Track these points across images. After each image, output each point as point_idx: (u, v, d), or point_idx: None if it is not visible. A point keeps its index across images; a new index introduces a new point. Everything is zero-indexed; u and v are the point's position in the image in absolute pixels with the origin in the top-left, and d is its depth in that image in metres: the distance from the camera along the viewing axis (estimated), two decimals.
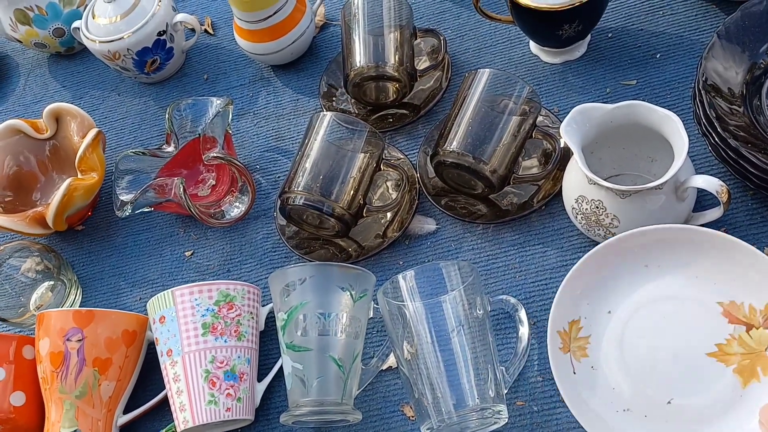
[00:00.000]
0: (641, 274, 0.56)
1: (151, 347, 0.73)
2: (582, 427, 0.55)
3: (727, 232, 0.65)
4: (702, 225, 0.64)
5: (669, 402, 0.52)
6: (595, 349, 0.55)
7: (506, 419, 0.60)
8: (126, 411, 0.71)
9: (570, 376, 0.55)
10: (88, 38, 0.90)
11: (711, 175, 0.67)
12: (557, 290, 0.59)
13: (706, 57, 0.65)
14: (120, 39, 0.88)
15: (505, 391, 0.62)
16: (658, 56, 0.76)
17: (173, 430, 0.67)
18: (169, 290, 0.66)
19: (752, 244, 0.63)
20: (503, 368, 0.63)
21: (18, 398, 0.70)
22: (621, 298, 0.56)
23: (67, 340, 0.68)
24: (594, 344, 0.55)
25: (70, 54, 1.04)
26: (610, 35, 0.80)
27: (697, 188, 0.61)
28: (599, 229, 0.63)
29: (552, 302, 0.63)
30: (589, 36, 0.79)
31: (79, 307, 0.81)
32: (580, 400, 0.54)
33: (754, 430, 0.48)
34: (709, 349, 0.52)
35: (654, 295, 0.55)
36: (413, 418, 0.65)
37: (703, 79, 0.64)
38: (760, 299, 0.52)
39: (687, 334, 0.53)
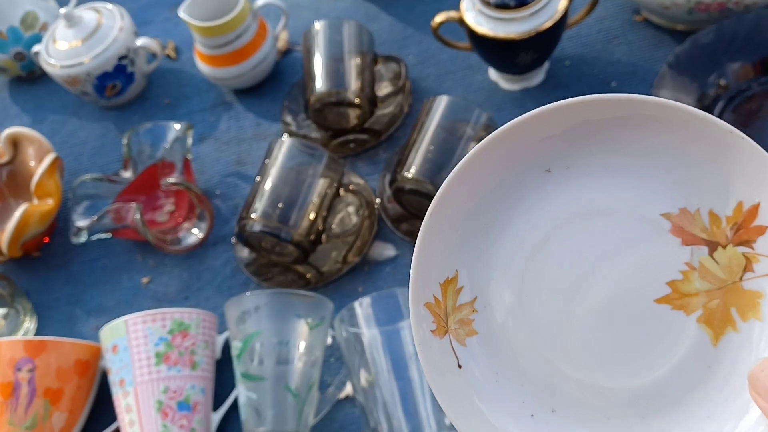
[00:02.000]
0: (544, 184, 0.35)
1: (105, 377, 0.72)
2: None
3: None
4: None
5: (606, 387, 0.33)
6: (485, 319, 0.34)
7: None
8: None
9: (454, 373, 0.33)
10: (48, 63, 0.89)
11: None
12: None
13: (656, 86, 0.66)
14: (80, 64, 0.87)
15: None
16: (613, 84, 0.78)
17: None
18: (122, 318, 0.65)
19: None
20: None
21: None
22: (518, 228, 0.35)
23: (18, 370, 0.66)
24: (483, 311, 0.34)
25: (31, 78, 1.03)
26: (567, 63, 0.81)
27: None
28: None
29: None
30: (548, 63, 0.80)
31: (34, 335, 0.79)
32: (475, 411, 0.33)
33: (740, 408, 0.30)
34: (658, 291, 0.33)
35: (568, 214, 0.34)
36: None
37: None
38: (725, 199, 0.31)
39: (622, 273, 0.33)
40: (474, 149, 0.35)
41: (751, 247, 0.31)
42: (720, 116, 0.66)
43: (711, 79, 0.66)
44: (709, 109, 0.66)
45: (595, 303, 0.34)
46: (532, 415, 0.33)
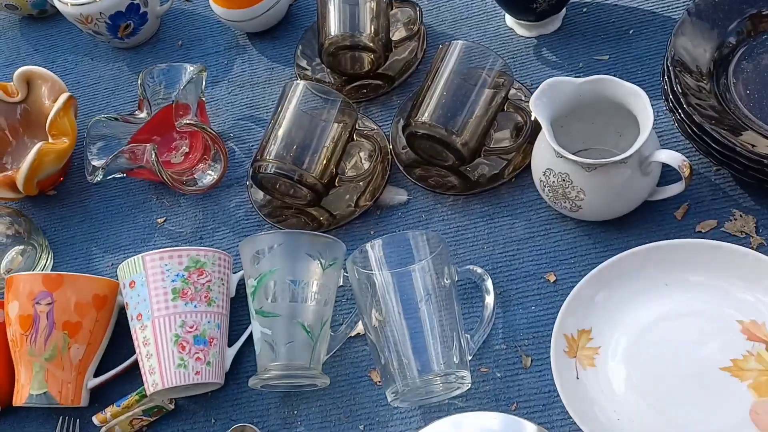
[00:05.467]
0: (659, 290, 0.54)
1: (123, 312, 0.74)
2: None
3: (690, 208, 0.66)
4: (665, 199, 0.65)
5: (677, 417, 0.50)
6: (603, 360, 0.53)
7: (469, 384, 0.61)
8: (96, 374, 0.71)
9: (572, 380, 0.53)
10: (60, 1, 0.88)
11: (676, 151, 0.68)
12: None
13: (675, 34, 0.66)
14: (93, 2, 0.87)
15: (470, 358, 0.63)
16: (630, 32, 0.77)
17: (144, 393, 0.68)
18: (139, 255, 0.66)
19: (713, 219, 0.65)
20: (468, 336, 0.64)
21: None
22: (637, 312, 0.54)
23: (37, 303, 0.68)
24: (603, 355, 0.54)
25: (42, 17, 1.02)
26: (584, 10, 0.80)
27: (661, 163, 0.62)
28: (566, 202, 0.64)
29: (518, 272, 0.66)
30: (564, 10, 0.80)
31: (51, 271, 0.81)
32: (582, 404, 0.52)
33: None
34: (725, 363, 0.50)
35: (672, 311, 0.53)
36: (380, 384, 0.66)
37: (672, 55, 0.65)
38: None
39: (702, 349, 0.51)
40: (623, 255, 0.57)
41: None
42: (738, 64, 0.66)
43: (732, 27, 0.66)
44: (728, 58, 0.66)
45: (681, 369, 0.51)
46: (618, 419, 0.51)
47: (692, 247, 0.53)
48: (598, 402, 0.52)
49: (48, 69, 0.87)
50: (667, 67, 0.65)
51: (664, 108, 0.70)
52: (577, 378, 0.53)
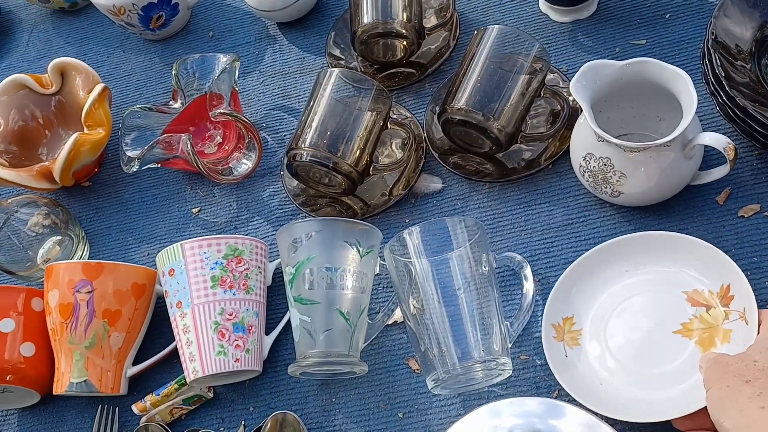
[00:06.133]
0: (621, 276, 0.64)
1: (160, 301, 0.74)
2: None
3: (732, 192, 0.65)
4: (707, 183, 0.64)
5: (644, 372, 0.60)
6: (584, 339, 0.63)
7: (510, 371, 0.61)
8: (135, 363, 0.72)
9: (563, 359, 0.62)
10: None
11: None
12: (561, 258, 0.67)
13: (716, 15, 0.65)
14: None
15: (510, 346, 0.63)
16: (667, 16, 0.76)
17: (183, 382, 0.68)
18: (179, 243, 0.67)
19: (756, 204, 0.64)
20: (508, 323, 0.64)
21: (28, 349, 0.71)
22: (606, 295, 0.64)
23: (77, 291, 0.69)
24: (584, 335, 0.63)
25: (73, 9, 1.03)
26: None
27: (705, 146, 0.61)
28: (606, 187, 0.63)
29: (557, 259, 0.65)
30: None
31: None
32: (572, 378, 0.61)
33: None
34: (676, 327, 0.60)
35: (632, 291, 0.63)
36: (418, 371, 0.66)
37: (713, 37, 0.64)
38: (715, 285, 0.60)
39: (658, 319, 0.61)
40: (588, 253, 0.65)
41: (727, 306, 0.59)
42: None
43: None
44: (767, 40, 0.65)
45: (643, 335, 0.61)
46: (601, 384, 0.61)
47: (643, 238, 0.63)
48: (584, 373, 0.61)
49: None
50: (708, 49, 0.64)
51: (705, 93, 0.69)
52: (566, 356, 0.62)
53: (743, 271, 0.60)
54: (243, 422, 0.69)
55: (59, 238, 0.81)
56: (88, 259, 0.82)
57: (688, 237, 0.62)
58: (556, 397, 0.61)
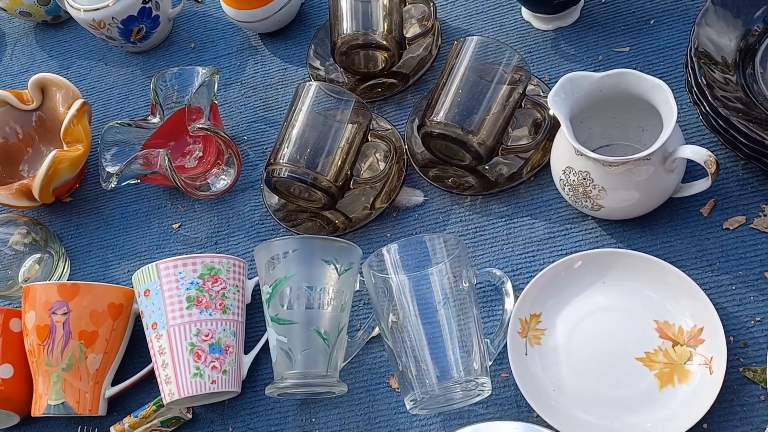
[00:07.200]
0: (597, 287, 0.63)
1: (139, 320, 0.73)
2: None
3: (716, 204, 0.64)
4: (691, 195, 0.63)
5: (597, 390, 0.60)
6: (547, 339, 0.63)
7: (490, 391, 0.59)
8: (114, 383, 0.71)
9: (522, 356, 0.62)
10: (73, 7, 0.88)
11: (702, 145, 0.66)
12: (536, 273, 0.65)
13: (699, 23, 0.63)
14: (105, 7, 0.86)
15: (489, 363, 0.61)
16: (651, 22, 0.75)
17: (161, 403, 0.68)
18: (153, 264, 0.66)
19: (741, 215, 0.63)
20: (488, 341, 0.62)
21: (6, 371, 0.70)
22: (577, 303, 0.63)
23: (53, 313, 0.68)
24: (547, 335, 0.63)
25: (56, 23, 1.02)
26: (603, 0, 0.78)
27: (686, 159, 0.60)
28: (586, 201, 0.62)
29: (538, 273, 0.64)
30: (582, 1, 0.77)
31: (68, 279, 0.81)
32: (528, 377, 0.61)
33: (661, 420, 0.57)
34: (639, 354, 0.60)
35: (605, 305, 0.63)
36: (398, 390, 0.65)
37: (695, 46, 0.62)
38: (688, 323, 0.60)
39: (624, 339, 0.61)
40: (570, 257, 0.64)
41: (694, 348, 0.59)
42: (766, 53, 0.63)
43: (758, 14, 0.63)
44: (754, 47, 0.63)
45: (605, 352, 0.61)
46: (554, 390, 0.61)
47: (627, 256, 0.62)
48: (539, 376, 0.61)
49: (63, 75, 0.88)
50: (691, 58, 0.63)
51: (688, 101, 0.68)
52: (526, 354, 0.62)
53: (728, 285, 0.58)
54: None
55: (39, 256, 0.80)
56: (69, 276, 0.81)
57: (676, 270, 0.60)
58: (536, 417, 0.60)
